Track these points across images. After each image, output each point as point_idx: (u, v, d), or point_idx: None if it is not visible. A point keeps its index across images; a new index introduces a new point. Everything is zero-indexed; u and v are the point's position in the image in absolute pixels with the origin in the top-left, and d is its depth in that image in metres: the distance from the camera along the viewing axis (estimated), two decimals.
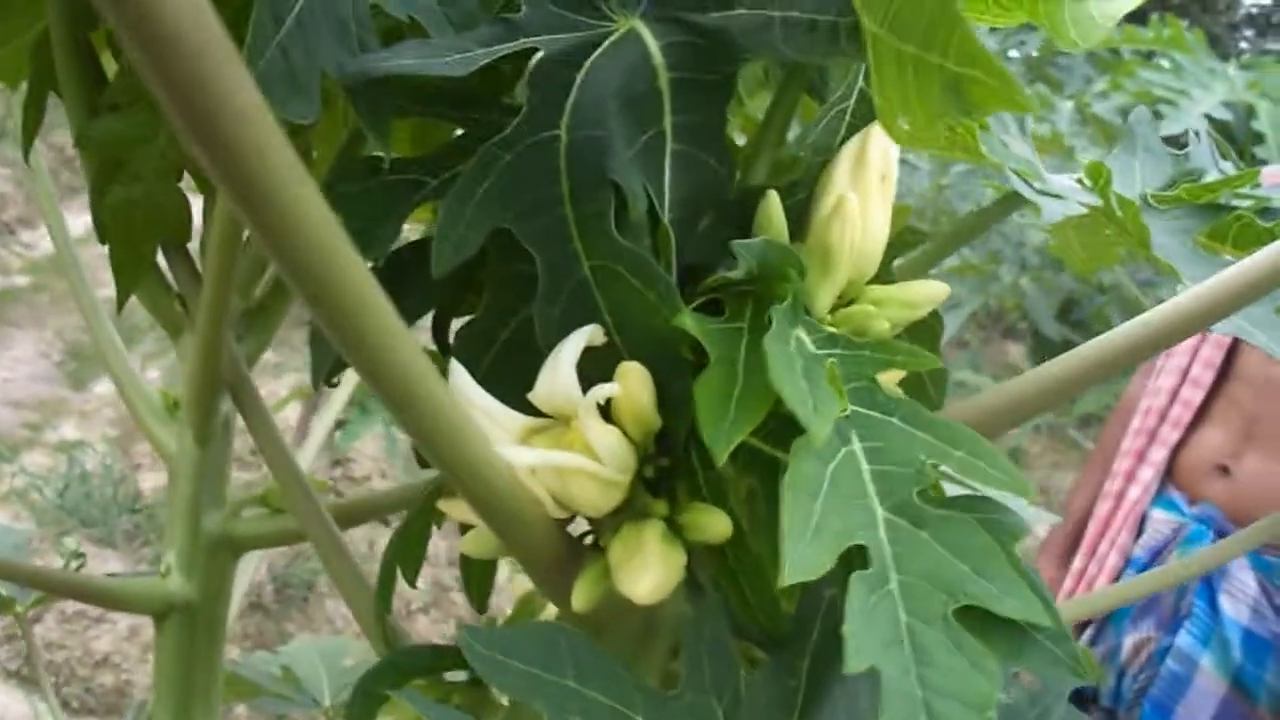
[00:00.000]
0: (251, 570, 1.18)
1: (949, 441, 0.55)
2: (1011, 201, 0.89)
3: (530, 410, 0.58)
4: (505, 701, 0.77)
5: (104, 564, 4.09)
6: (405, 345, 0.44)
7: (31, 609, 1.42)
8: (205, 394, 0.89)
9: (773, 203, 0.64)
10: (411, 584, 0.73)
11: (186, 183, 0.87)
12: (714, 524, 0.58)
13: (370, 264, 0.66)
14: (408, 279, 0.67)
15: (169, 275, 0.94)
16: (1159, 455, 2.26)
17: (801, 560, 0.48)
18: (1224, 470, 2.19)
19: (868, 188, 0.65)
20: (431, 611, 4.42)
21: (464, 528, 0.70)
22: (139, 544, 4.32)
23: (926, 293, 0.67)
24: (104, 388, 5.37)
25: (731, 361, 0.56)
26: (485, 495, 0.53)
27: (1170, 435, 2.25)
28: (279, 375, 5.06)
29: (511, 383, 0.59)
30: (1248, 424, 2.18)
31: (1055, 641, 0.52)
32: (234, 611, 1.01)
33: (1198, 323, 0.69)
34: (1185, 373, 2.29)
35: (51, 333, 5.74)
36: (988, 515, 0.53)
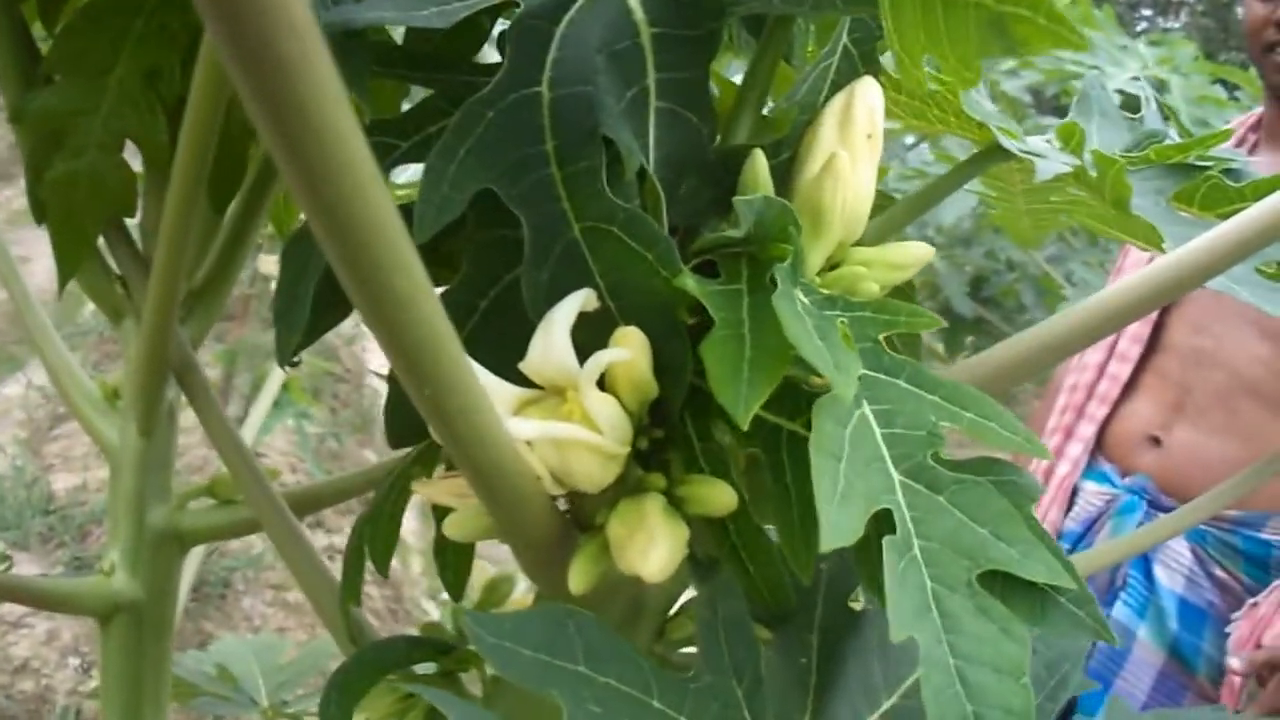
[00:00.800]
0: (196, 566, 1.13)
1: (958, 403, 0.54)
2: (979, 163, 0.87)
3: (516, 381, 0.55)
4: (479, 693, 0.73)
5: (19, 567, 3.99)
6: (431, 305, 0.41)
7: None
8: (151, 381, 0.84)
9: (759, 162, 0.61)
10: (383, 571, 0.69)
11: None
12: (717, 496, 0.55)
13: None
14: None
15: (108, 258, 0.90)
16: (1088, 431, 2.27)
17: (837, 524, 0.45)
18: (1155, 441, 2.21)
19: (855, 146, 0.63)
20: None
21: (436, 511, 0.67)
22: (53, 545, 4.23)
23: (912, 254, 0.65)
24: (12, 389, 5.27)
25: (737, 324, 0.53)
26: (490, 470, 0.49)
27: (1098, 411, 2.27)
28: None
29: (492, 353, 0.55)
30: (1178, 395, 2.20)
31: (1078, 604, 0.51)
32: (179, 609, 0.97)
33: (1188, 282, 0.69)
34: (1112, 348, 2.30)
35: None
36: (1002, 478, 0.52)
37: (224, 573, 4.19)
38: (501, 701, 0.70)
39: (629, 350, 0.53)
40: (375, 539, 0.69)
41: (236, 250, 0.91)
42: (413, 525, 4.51)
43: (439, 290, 0.57)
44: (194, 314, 0.91)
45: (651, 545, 0.52)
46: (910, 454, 0.51)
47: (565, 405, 0.54)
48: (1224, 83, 4.49)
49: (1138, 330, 2.27)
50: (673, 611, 0.68)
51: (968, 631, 0.47)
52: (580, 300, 0.54)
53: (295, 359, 0.65)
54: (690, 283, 0.54)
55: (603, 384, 0.54)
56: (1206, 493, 1.09)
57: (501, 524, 0.55)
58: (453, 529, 0.59)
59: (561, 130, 0.56)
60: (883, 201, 0.78)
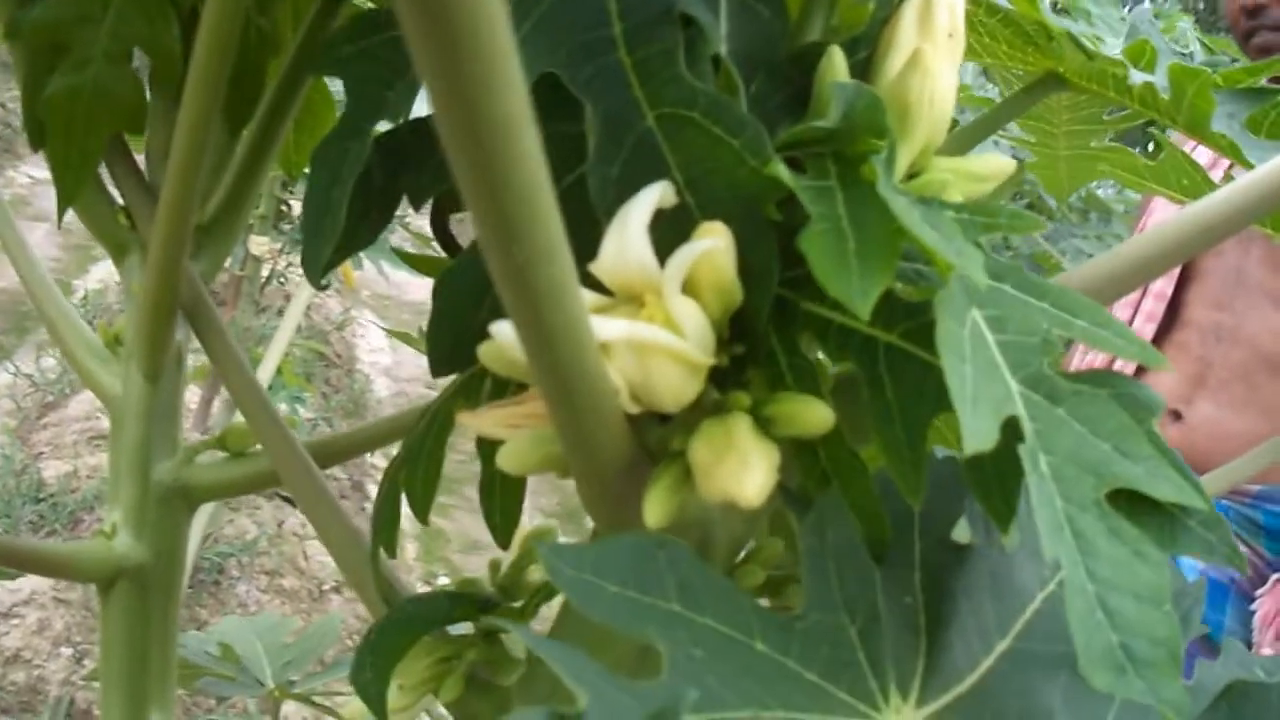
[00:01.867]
0: (203, 528, 1.06)
1: (1069, 310, 0.50)
2: (1035, 93, 0.83)
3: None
4: (522, 655, 0.67)
5: None
6: (532, 140, 0.35)
7: None
8: (158, 320, 0.77)
9: (836, 58, 0.55)
10: (423, 519, 0.63)
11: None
12: (810, 413, 0.49)
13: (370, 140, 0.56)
14: (410, 160, 0.58)
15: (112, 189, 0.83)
16: None
17: (974, 428, 0.40)
18: (1175, 415, 2.19)
19: (936, 45, 0.57)
20: (344, 591, 4.34)
21: (483, 447, 0.61)
22: (44, 534, 4.18)
23: (995, 166, 0.60)
24: (0, 377, 5.22)
25: (835, 218, 0.47)
26: (573, 373, 0.42)
27: None
28: None
29: None
30: (1199, 369, 2.19)
31: (1207, 527, 0.47)
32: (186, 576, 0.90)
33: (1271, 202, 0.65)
34: (1128, 323, 2.28)
35: None
36: (1121, 390, 0.48)
37: (218, 559, 4.15)
38: (546, 666, 0.64)
39: (711, 247, 0.47)
40: (413, 481, 0.62)
41: (250, 181, 0.84)
42: (404, 508, 4.44)
43: None
44: (205, 249, 0.84)
45: (745, 467, 0.46)
46: (1025, 361, 0.47)
47: (644, 312, 0.47)
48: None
49: (1152, 309, 2.26)
50: (740, 558, 0.62)
51: (1103, 555, 0.43)
52: (657, 194, 0.47)
53: (324, 280, 0.59)
54: (783, 171, 0.47)
55: (682, 290, 0.48)
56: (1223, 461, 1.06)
57: (573, 446, 0.48)
58: (508, 460, 0.53)
59: (630, 13, 0.50)
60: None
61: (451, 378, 0.60)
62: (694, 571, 0.43)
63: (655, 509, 0.49)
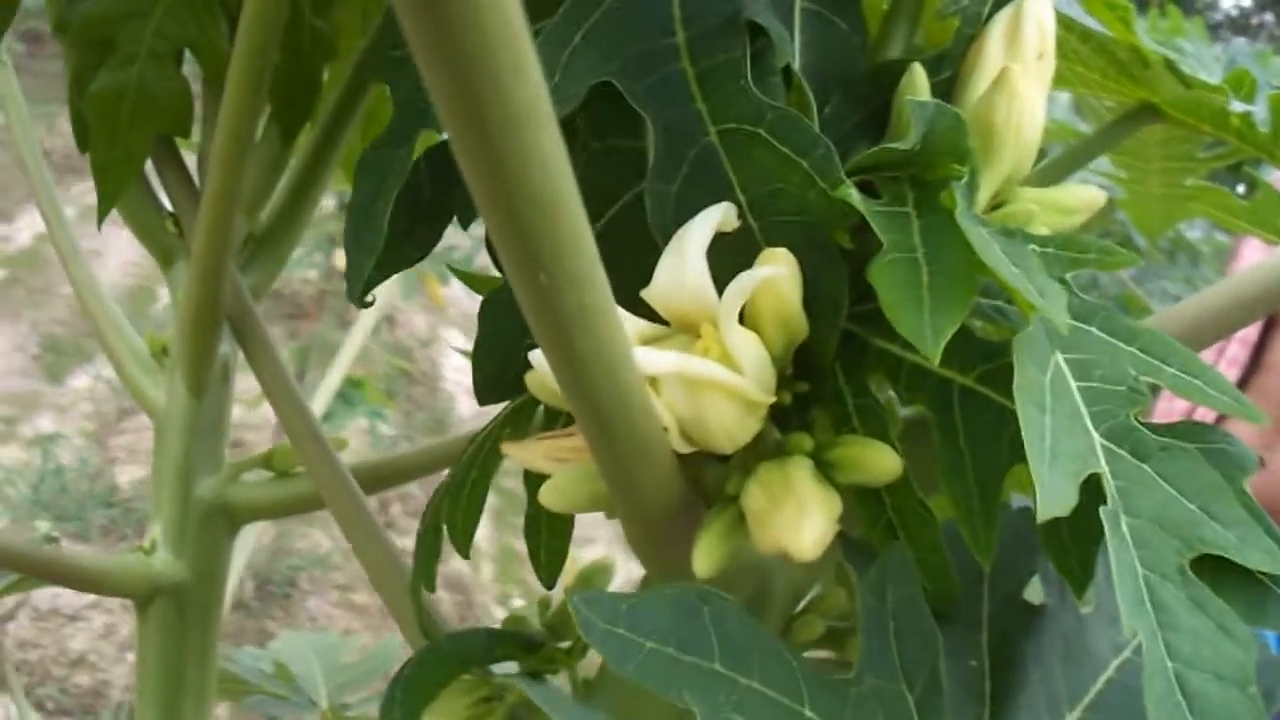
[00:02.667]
0: (249, 548, 1.04)
1: (1158, 355, 0.46)
2: (1128, 125, 0.79)
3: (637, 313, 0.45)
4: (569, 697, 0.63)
5: None
6: (556, 144, 0.31)
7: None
8: (202, 330, 0.74)
9: (918, 76, 0.52)
10: (464, 551, 0.59)
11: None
12: (877, 459, 0.45)
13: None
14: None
15: (162, 195, 0.81)
16: None
17: (1052, 487, 0.36)
18: (1259, 462, 2.12)
19: (1025, 65, 0.54)
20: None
21: (529, 480, 0.57)
22: (115, 539, 4.20)
23: (1083, 198, 0.55)
24: (81, 381, 5.27)
25: (909, 248, 0.43)
26: (612, 407, 0.38)
27: None
28: None
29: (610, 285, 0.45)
30: None
31: None
32: (228, 596, 0.88)
33: None
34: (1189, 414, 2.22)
35: (28, 326, 5.65)
36: (1211, 445, 0.45)
37: (289, 571, 4.15)
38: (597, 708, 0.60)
39: (775, 275, 0.43)
40: (455, 513, 0.59)
41: (307, 192, 0.81)
42: (484, 529, 4.45)
43: None
44: (256, 260, 0.81)
45: (804, 516, 0.42)
46: (1111, 412, 0.43)
47: (699, 344, 0.43)
48: None
49: (1236, 354, 2.20)
50: (799, 608, 0.58)
51: (1185, 629, 0.39)
52: (718, 216, 0.44)
53: (369, 298, 0.56)
54: (854, 195, 0.44)
55: (742, 320, 0.44)
56: None
57: (616, 485, 0.45)
58: (551, 496, 0.49)
59: (695, 20, 0.47)
60: None
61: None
62: (741, 628, 0.39)
63: (705, 558, 0.45)
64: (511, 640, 0.62)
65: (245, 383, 0.82)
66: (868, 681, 0.41)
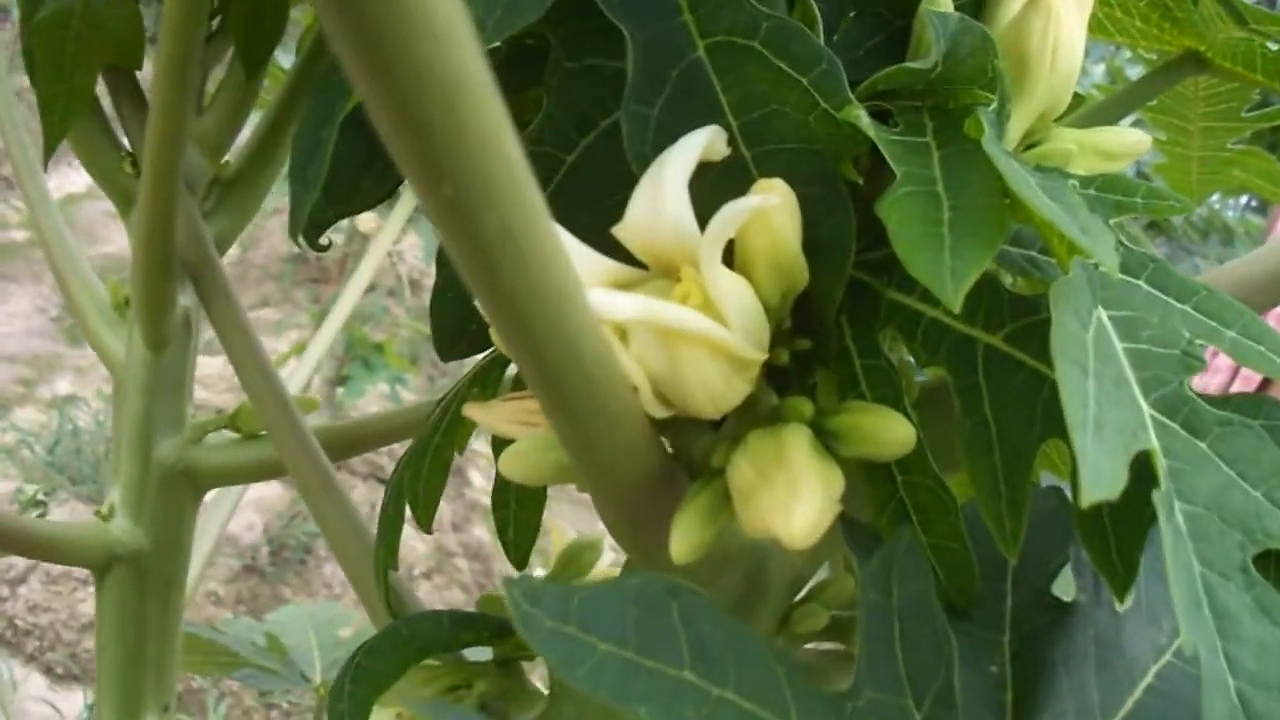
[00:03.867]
0: (225, 516, 0.98)
1: (1216, 316, 0.40)
2: (1169, 75, 0.74)
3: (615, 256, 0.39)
4: (545, 690, 0.57)
5: None
6: (485, 96, 0.24)
7: None
8: (156, 278, 0.68)
9: None
10: (426, 526, 0.53)
11: None
12: (888, 429, 0.39)
13: None
14: None
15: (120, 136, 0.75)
16: None
17: (1098, 466, 0.29)
18: None
19: None
20: (434, 577, 4.27)
21: (496, 446, 0.51)
22: None
23: (1127, 141, 0.49)
24: None
25: (927, 180, 0.37)
26: (565, 365, 0.31)
27: None
28: (280, 333, 4.89)
29: (582, 223, 0.39)
30: None
31: None
32: (221, 572, 0.82)
33: None
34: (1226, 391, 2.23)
35: (49, 288, 5.62)
36: (1275, 421, 0.38)
37: (306, 538, 4.10)
38: (571, 702, 0.54)
39: (768, 207, 0.37)
40: (417, 484, 0.53)
41: (281, 134, 0.75)
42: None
43: None
44: (223, 206, 0.75)
45: (795, 495, 0.35)
46: (1162, 379, 0.37)
47: (679, 288, 0.37)
48: None
49: (1250, 373, 2.21)
50: (800, 596, 0.51)
51: (1248, 639, 0.33)
52: (703, 142, 0.37)
53: (325, 242, 0.50)
54: (863, 117, 0.37)
55: (730, 264, 0.38)
56: None
57: (574, 453, 0.38)
58: (512, 465, 0.43)
59: None
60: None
61: None
62: (716, 628, 0.33)
63: (683, 541, 0.39)
64: (481, 624, 0.55)
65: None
66: (866, 694, 0.34)
